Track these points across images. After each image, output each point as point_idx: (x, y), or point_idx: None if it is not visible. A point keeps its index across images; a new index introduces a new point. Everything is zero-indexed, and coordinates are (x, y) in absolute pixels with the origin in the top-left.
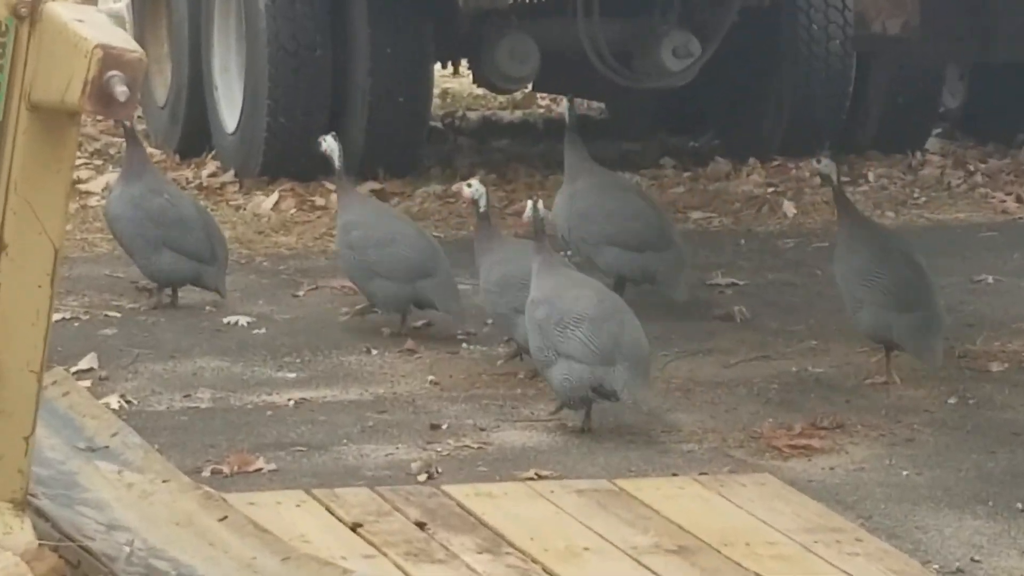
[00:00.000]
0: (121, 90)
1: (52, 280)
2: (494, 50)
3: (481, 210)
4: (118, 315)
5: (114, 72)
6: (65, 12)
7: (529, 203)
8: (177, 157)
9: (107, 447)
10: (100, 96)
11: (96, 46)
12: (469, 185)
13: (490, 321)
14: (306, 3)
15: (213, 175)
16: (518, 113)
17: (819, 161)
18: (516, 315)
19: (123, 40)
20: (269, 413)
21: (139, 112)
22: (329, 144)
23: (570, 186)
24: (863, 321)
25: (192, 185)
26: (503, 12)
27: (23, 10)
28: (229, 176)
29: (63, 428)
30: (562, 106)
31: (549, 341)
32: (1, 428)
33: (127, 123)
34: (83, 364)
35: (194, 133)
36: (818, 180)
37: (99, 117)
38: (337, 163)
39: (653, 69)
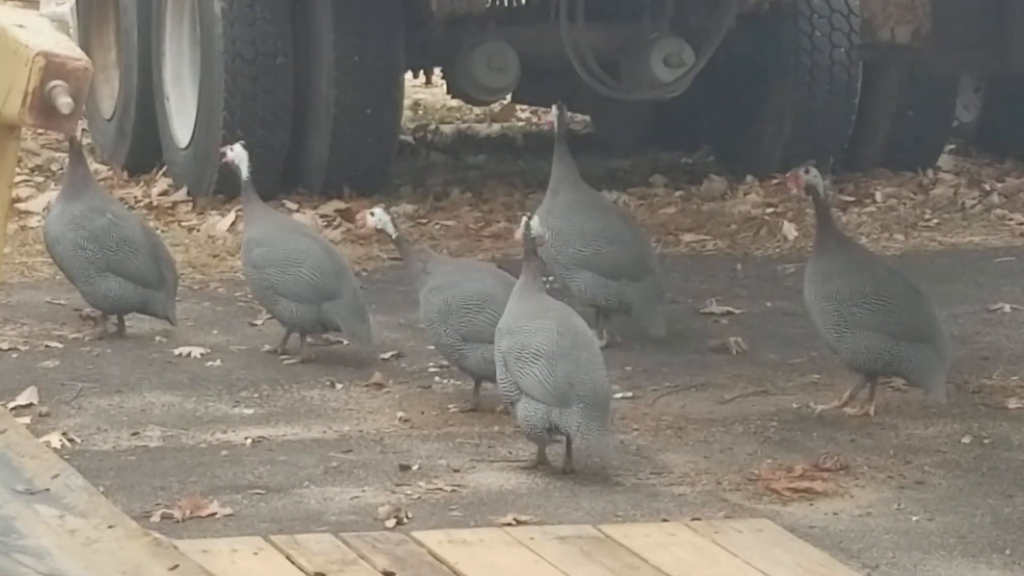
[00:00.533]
0: (65, 101)
1: None
2: (470, 58)
3: (393, 236)
4: (60, 346)
5: (57, 82)
6: (4, 17)
7: (524, 219)
8: (125, 174)
9: (47, 490)
10: (42, 108)
11: (38, 54)
12: (372, 214)
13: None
14: (265, 7)
15: (164, 193)
16: (496, 127)
17: (807, 171)
18: (463, 344)
19: (67, 47)
20: (224, 453)
21: (83, 125)
22: (236, 153)
23: (550, 200)
24: (851, 346)
25: (141, 204)
26: (480, 18)
27: None
28: (181, 194)
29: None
30: (545, 118)
31: (512, 375)
32: None
33: (73, 137)
34: (22, 399)
35: (143, 148)
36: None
37: (41, 130)
38: (244, 174)
39: (643, 79)
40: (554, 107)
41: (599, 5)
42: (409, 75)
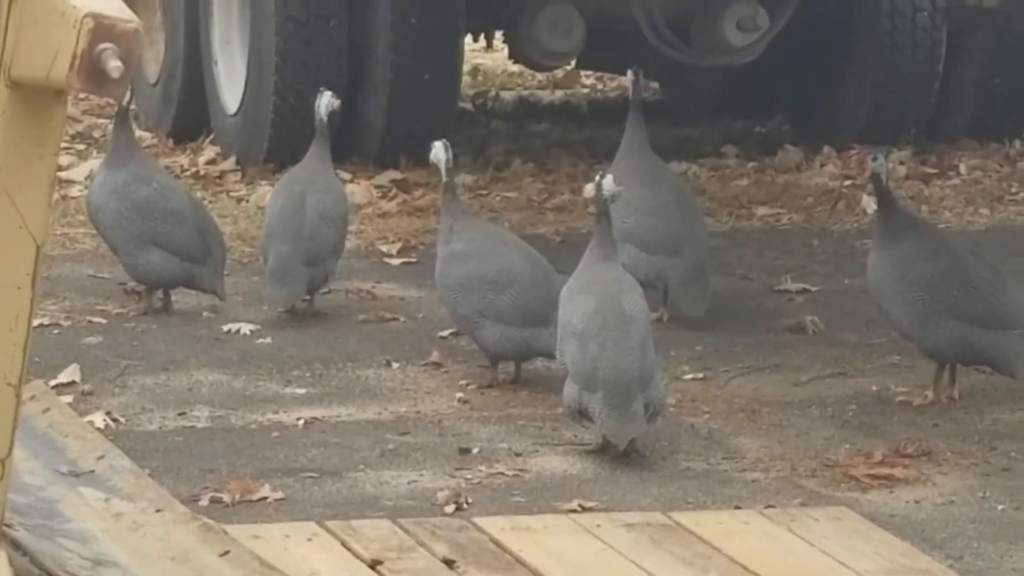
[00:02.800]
0: (114, 65)
1: (33, 281)
2: (533, 22)
3: (443, 179)
4: (103, 321)
5: (106, 45)
6: None
7: (596, 177)
8: (171, 141)
9: (92, 471)
10: (91, 72)
11: (86, 15)
12: (432, 146)
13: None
14: None
15: (211, 162)
16: (559, 93)
17: (875, 159)
18: (480, 319)
19: (117, 8)
20: (275, 434)
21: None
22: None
23: (613, 168)
24: (932, 336)
25: (187, 174)
26: None
27: None
28: (230, 163)
29: (43, 450)
30: (629, 79)
31: (560, 347)
32: None
33: (121, 102)
34: (64, 377)
35: (190, 114)
36: (903, 171)
37: (89, 95)
38: (443, 173)
39: (714, 44)
40: (630, 72)
41: None
42: (469, 39)
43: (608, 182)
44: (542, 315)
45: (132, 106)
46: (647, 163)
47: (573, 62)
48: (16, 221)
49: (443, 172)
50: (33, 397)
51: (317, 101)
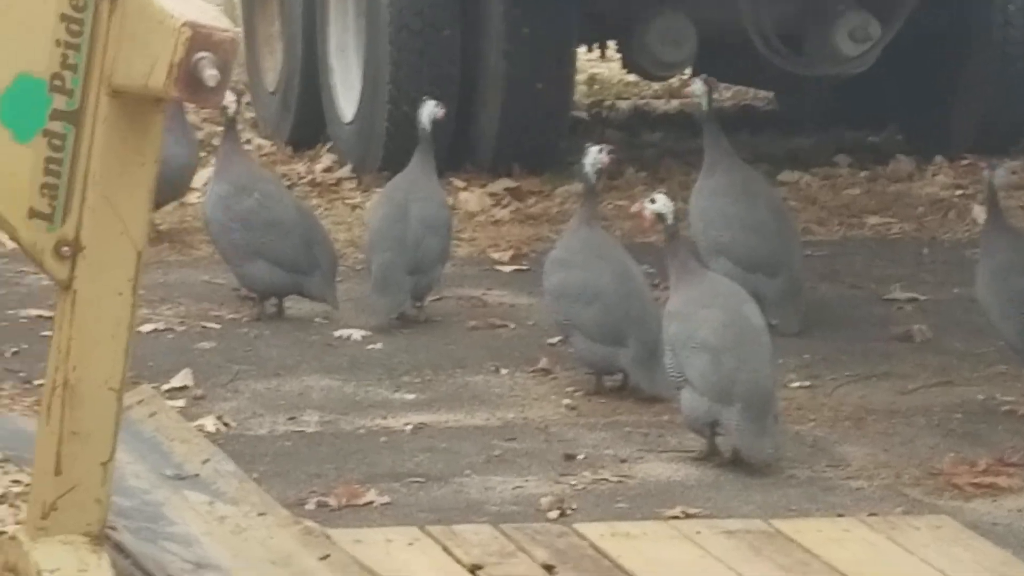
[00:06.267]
0: (211, 74)
1: (134, 287)
2: (646, 32)
3: (589, 184)
4: (217, 327)
5: (203, 53)
6: None
7: (647, 203)
8: (289, 149)
9: (197, 475)
10: (188, 81)
11: (184, 24)
12: (653, 201)
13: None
14: None
15: (328, 170)
16: (675, 103)
17: (652, 201)
18: (572, 330)
19: (213, 17)
20: (383, 439)
21: (247, 98)
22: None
23: (703, 180)
24: None
25: (304, 181)
26: None
27: None
28: (346, 171)
29: (149, 453)
30: (699, 89)
31: (678, 362)
32: (76, 452)
33: (228, 110)
34: (176, 381)
35: (308, 122)
36: (1014, 179)
37: (187, 104)
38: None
39: (826, 53)
40: (700, 82)
41: None
42: (582, 49)
43: (663, 201)
44: (624, 333)
45: (241, 114)
46: (742, 176)
47: (688, 71)
48: (117, 227)
49: (591, 178)
50: (141, 401)
51: (420, 110)
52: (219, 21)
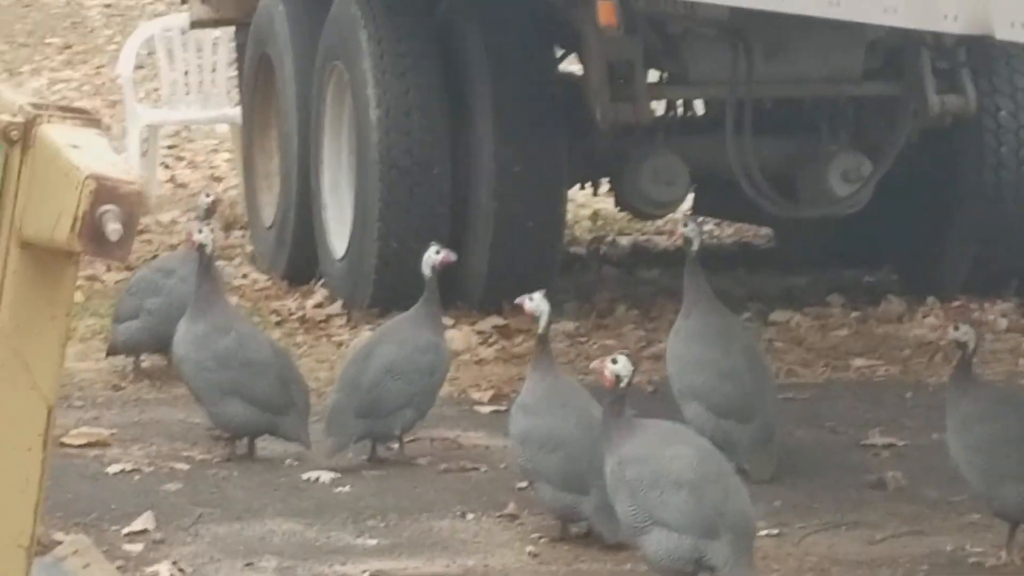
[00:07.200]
0: (113, 228)
1: (45, 442)
2: (637, 171)
3: (540, 331)
4: (186, 467)
5: (108, 207)
6: (60, 136)
7: (609, 362)
8: (285, 284)
9: None
10: (92, 234)
11: (88, 176)
12: (531, 299)
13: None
14: (423, 115)
15: (319, 305)
16: (676, 240)
17: (956, 328)
18: (536, 476)
19: (120, 170)
20: None
21: (246, 234)
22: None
23: (680, 322)
24: (1004, 497)
25: (293, 317)
26: (647, 128)
27: (14, 133)
28: (336, 307)
29: None
30: (687, 228)
31: (643, 506)
32: None
33: (206, 248)
34: (137, 525)
35: (302, 257)
36: (1003, 323)
37: (90, 257)
38: (542, 326)
39: (819, 194)
40: (689, 222)
41: (775, 118)
42: (577, 186)
43: (623, 363)
44: (587, 482)
45: (247, 247)
46: (718, 320)
47: (689, 205)
48: (27, 381)
49: (542, 324)
50: (76, 552)
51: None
52: (126, 174)
